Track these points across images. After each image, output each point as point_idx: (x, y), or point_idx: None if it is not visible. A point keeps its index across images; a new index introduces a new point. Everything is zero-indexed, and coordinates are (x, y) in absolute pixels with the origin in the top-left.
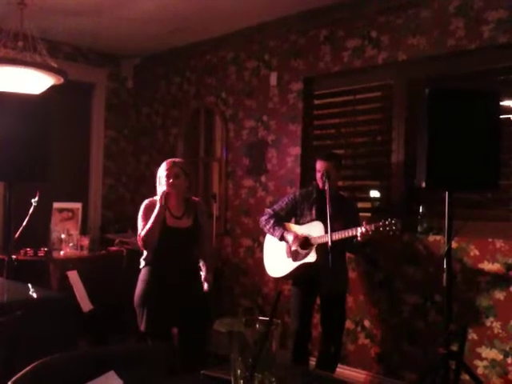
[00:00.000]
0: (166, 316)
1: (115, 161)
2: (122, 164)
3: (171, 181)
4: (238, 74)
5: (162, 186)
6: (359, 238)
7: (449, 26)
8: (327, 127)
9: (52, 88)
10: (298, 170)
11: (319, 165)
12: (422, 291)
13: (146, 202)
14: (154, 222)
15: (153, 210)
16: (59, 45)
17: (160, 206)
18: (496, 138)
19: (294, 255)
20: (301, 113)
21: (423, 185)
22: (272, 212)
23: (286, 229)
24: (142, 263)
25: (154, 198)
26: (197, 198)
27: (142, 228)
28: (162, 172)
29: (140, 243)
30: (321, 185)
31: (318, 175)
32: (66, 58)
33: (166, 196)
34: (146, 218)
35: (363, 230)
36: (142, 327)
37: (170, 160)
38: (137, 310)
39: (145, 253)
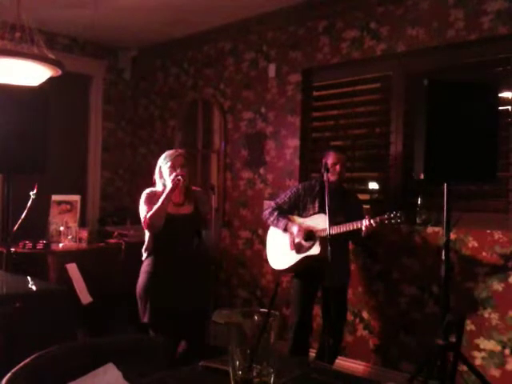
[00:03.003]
0: (168, 307)
1: (113, 153)
2: (119, 156)
3: (179, 170)
4: (236, 66)
5: (165, 176)
6: (364, 230)
7: (448, 17)
8: (326, 119)
9: (49, 80)
10: (297, 162)
11: (335, 157)
12: (420, 283)
13: (147, 190)
14: (162, 203)
15: (154, 199)
16: (56, 36)
17: (170, 189)
18: (494, 129)
19: (298, 247)
20: (299, 104)
21: (422, 177)
22: (275, 205)
23: (289, 221)
24: (144, 254)
25: (154, 188)
26: (198, 188)
27: (147, 211)
28: (164, 163)
29: (145, 225)
30: (336, 177)
31: (337, 168)
32: (64, 50)
33: (177, 181)
34: (150, 203)
35: (367, 222)
36: (146, 318)
37: (172, 151)
38: (139, 302)
39: (145, 242)
